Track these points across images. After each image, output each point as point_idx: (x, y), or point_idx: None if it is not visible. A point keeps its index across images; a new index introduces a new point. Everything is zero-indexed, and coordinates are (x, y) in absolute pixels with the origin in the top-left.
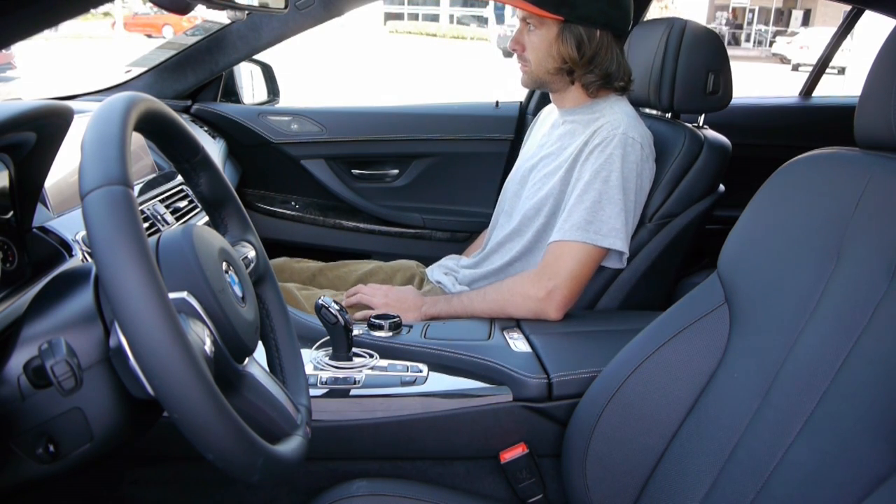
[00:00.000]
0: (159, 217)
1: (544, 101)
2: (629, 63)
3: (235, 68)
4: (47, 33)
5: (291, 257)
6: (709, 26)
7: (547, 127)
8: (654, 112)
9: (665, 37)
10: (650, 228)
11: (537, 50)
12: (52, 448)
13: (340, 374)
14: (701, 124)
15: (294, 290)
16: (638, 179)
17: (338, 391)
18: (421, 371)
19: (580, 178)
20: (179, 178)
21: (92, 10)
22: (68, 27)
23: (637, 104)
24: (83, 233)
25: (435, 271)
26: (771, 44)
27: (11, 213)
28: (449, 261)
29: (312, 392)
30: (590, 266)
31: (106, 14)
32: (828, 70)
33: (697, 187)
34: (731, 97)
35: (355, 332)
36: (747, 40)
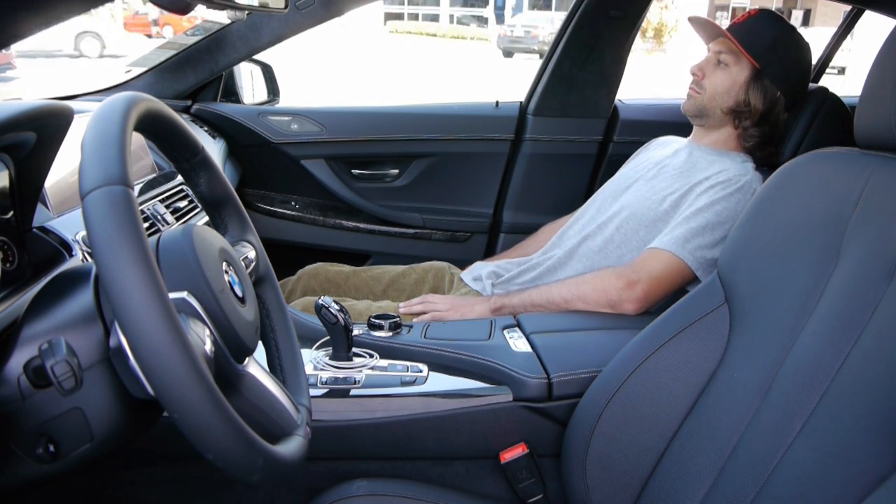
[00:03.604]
0: (159, 217)
1: (545, 101)
2: None
3: (235, 68)
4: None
5: (325, 262)
6: None
7: (665, 152)
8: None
9: (807, 103)
10: None
11: (718, 85)
12: (52, 448)
13: (340, 374)
14: None
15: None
16: None
17: (338, 391)
18: (421, 371)
19: (693, 204)
20: (179, 178)
21: (92, 10)
22: (68, 27)
23: (754, 156)
24: (83, 233)
25: (478, 271)
26: None
27: (11, 213)
28: (485, 266)
29: (312, 392)
30: (674, 278)
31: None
32: (828, 70)
33: None
34: None
35: (355, 332)
36: None
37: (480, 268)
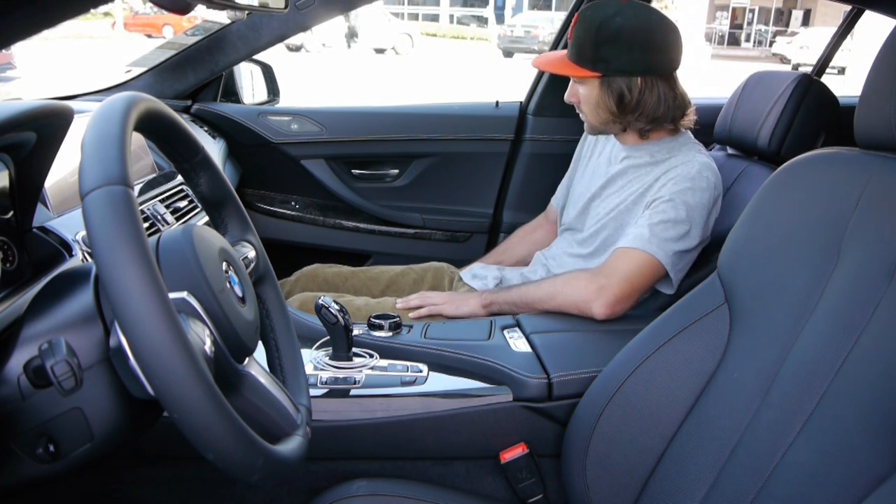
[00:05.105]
0: (159, 217)
1: (545, 101)
2: (739, 106)
3: (235, 68)
4: (47, 33)
5: (323, 263)
6: (709, 26)
7: (605, 156)
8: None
9: (791, 87)
10: None
11: (587, 103)
12: (52, 448)
13: (340, 374)
14: None
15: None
16: (707, 217)
17: (338, 391)
18: (421, 371)
19: (651, 202)
20: (179, 178)
21: (92, 10)
22: (68, 27)
23: (739, 145)
24: (83, 233)
25: (474, 272)
26: (771, 44)
27: (11, 213)
28: (487, 269)
29: (312, 392)
30: (645, 276)
31: (106, 14)
32: (828, 70)
33: None
34: None
35: (355, 332)
36: (747, 40)
37: (481, 268)
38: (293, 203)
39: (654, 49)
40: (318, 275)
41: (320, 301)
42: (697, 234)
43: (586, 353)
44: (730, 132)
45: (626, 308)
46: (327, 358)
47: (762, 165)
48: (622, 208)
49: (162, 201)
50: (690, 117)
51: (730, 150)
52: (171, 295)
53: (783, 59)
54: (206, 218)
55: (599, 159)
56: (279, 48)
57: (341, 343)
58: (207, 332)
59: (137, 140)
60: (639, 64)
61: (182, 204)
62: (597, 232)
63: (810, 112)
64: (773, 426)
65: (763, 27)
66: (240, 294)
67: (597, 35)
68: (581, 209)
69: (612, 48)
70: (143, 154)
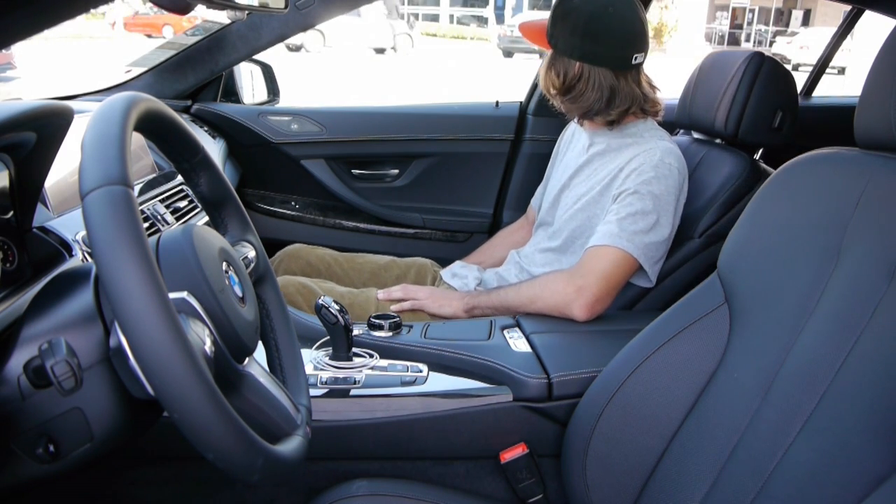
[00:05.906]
0: (159, 217)
1: (545, 101)
2: (696, 89)
3: (235, 68)
4: (47, 33)
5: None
6: (709, 26)
7: (576, 149)
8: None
9: (742, 68)
10: (699, 243)
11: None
12: (52, 448)
13: (340, 374)
14: (758, 158)
15: (311, 284)
16: (675, 204)
17: (338, 391)
18: (421, 371)
19: (618, 195)
20: (179, 178)
21: (92, 10)
22: (68, 27)
23: (699, 129)
24: (83, 233)
25: (454, 271)
26: (771, 44)
27: (11, 213)
28: (468, 269)
29: (312, 392)
30: (621, 272)
31: (105, 14)
32: (828, 70)
33: None
34: (792, 138)
35: (355, 332)
36: (747, 40)
37: (461, 267)
38: (293, 203)
39: (591, 38)
40: (300, 256)
41: (320, 301)
42: (667, 222)
43: (586, 353)
44: (689, 116)
45: (605, 307)
46: (327, 358)
47: (722, 148)
48: (589, 198)
49: (162, 201)
50: (657, 111)
51: (695, 135)
52: (171, 295)
53: (783, 59)
54: (206, 218)
55: (572, 153)
56: (279, 48)
57: (341, 343)
58: (207, 332)
59: (137, 140)
60: (576, 50)
61: (182, 204)
62: (565, 223)
63: (765, 90)
64: (773, 426)
65: (763, 27)
66: (240, 294)
67: (554, 11)
68: (552, 202)
69: (561, 28)
70: (143, 154)
